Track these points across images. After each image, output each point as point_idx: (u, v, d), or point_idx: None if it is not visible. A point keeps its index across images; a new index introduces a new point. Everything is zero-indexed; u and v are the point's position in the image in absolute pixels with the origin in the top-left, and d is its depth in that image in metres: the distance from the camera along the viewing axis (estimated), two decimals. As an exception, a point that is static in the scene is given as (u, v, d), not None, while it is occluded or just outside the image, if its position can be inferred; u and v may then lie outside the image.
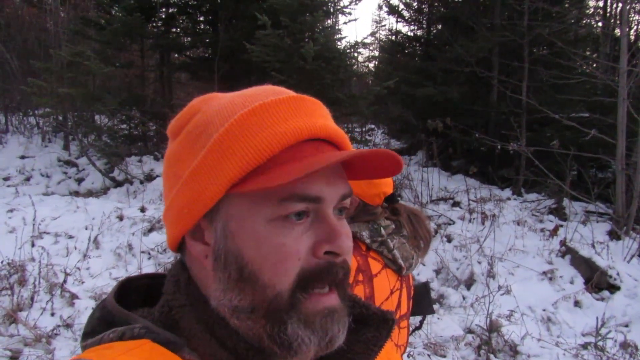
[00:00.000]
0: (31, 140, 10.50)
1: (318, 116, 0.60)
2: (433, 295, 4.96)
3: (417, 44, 13.03)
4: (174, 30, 10.41)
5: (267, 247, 0.55)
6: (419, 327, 1.97)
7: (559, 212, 7.24)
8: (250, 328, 0.56)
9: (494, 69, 9.58)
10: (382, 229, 1.53)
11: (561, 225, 6.50)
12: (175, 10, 10.02)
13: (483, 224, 6.71)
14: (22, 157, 9.51)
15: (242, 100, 0.60)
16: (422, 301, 1.83)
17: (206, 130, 0.59)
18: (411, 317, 1.75)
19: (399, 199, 1.69)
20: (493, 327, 4.14)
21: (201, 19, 10.63)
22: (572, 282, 5.06)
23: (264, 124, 0.57)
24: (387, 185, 1.57)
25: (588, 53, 10.24)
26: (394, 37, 14.22)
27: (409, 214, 1.63)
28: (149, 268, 5.18)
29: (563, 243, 5.72)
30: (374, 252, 1.52)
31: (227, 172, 0.55)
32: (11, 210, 6.40)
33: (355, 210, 1.57)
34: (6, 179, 8.65)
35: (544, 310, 4.59)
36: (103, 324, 0.61)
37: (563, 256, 5.52)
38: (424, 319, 1.92)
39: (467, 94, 9.77)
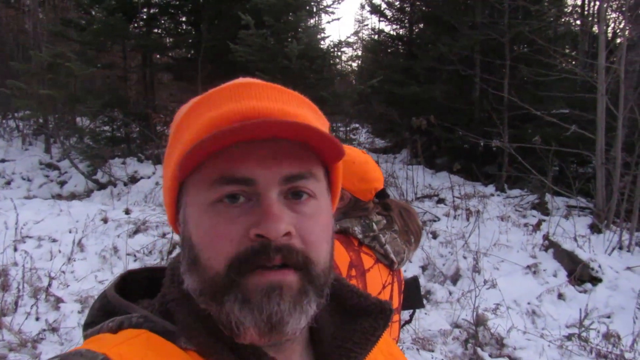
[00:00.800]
0: (11, 143, 10.32)
1: (260, 99, 0.58)
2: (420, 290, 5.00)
3: (400, 43, 13.12)
4: (156, 30, 10.31)
5: (203, 230, 0.56)
6: (409, 321, 2.00)
7: (541, 207, 7.36)
8: (211, 312, 0.56)
9: (476, 67, 9.70)
10: (374, 224, 1.55)
11: (544, 220, 6.61)
12: (157, 10, 9.92)
13: (468, 220, 6.80)
14: (2, 161, 9.34)
15: (201, 96, 0.62)
16: (412, 295, 1.86)
17: (172, 130, 0.64)
18: (401, 312, 1.77)
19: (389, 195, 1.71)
20: (479, 321, 4.20)
21: (183, 19, 10.55)
22: (555, 276, 5.16)
23: (201, 113, 0.59)
24: (378, 181, 1.60)
25: (567, 50, 10.42)
26: (376, 37, 14.28)
27: (400, 209, 1.65)
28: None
29: (546, 237, 5.82)
30: (366, 247, 1.54)
31: (171, 164, 0.60)
32: (-8, 215, 6.29)
33: (346, 206, 1.59)
34: (-14, 183, 8.49)
35: (528, 303, 4.67)
36: (103, 314, 0.62)
37: (546, 250, 5.62)
38: (413, 312, 1.95)
39: (450, 92, 9.88)
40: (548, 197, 7.38)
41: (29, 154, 9.56)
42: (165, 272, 0.65)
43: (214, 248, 0.55)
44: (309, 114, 0.62)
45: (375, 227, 1.54)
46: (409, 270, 5.49)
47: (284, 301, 0.53)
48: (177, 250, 5.52)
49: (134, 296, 0.66)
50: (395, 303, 1.62)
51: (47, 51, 7.90)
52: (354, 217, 1.57)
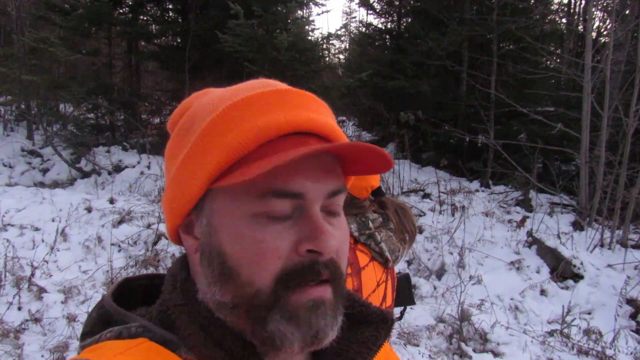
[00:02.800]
0: (-9, 129, 10.09)
1: (305, 109, 0.58)
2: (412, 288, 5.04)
3: (388, 37, 13.10)
4: (143, 17, 10.14)
5: (246, 244, 0.54)
6: (399, 318, 2.01)
7: (525, 204, 7.46)
8: (235, 323, 0.56)
9: (463, 63, 9.75)
10: (369, 222, 1.55)
11: (528, 217, 6.71)
12: (142, -3, 9.75)
13: (453, 215, 6.86)
14: (-18, 147, 9.13)
15: (229, 94, 0.59)
16: (403, 292, 1.87)
17: (192, 126, 0.59)
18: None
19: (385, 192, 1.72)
20: (464, 316, 4.25)
21: (170, 6, 10.39)
22: (538, 272, 5.24)
23: (243, 118, 0.56)
24: (374, 179, 1.60)
25: (553, 49, 10.52)
26: (364, 29, 14.22)
27: (396, 207, 1.65)
28: (119, 261, 5.08)
29: (530, 234, 5.91)
30: (361, 245, 1.54)
31: (206, 168, 0.55)
32: (-28, 202, 6.15)
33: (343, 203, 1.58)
34: (-35, 169, 8.30)
35: (511, 299, 4.74)
36: (101, 323, 0.61)
37: (530, 246, 5.70)
38: (404, 309, 1.96)
39: (437, 87, 9.91)
40: (532, 193, 7.48)
41: (11, 140, 9.35)
42: (165, 278, 0.64)
43: (260, 264, 0.54)
44: (331, 118, 0.63)
45: (371, 225, 1.55)
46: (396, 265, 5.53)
47: (327, 316, 0.54)
48: (162, 242, 5.49)
49: (132, 304, 0.64)
50: (389, 301, 1.63)
51: (31, 36, 7.72)
52: (350, 215, 1.57)
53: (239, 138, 0.54)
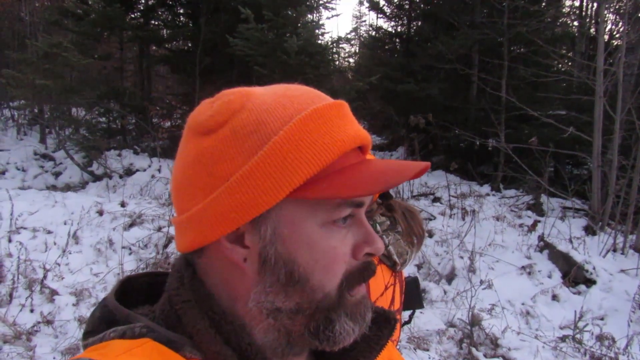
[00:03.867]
0: (6, 132, 10.23)
1: (355, 122, 0.62)
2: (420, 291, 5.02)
3: (398, 40, 13.10)
4: (154, 22, 10.23)
5: (319, 251, 0.57)
6: (408, 322, 2.00)
7: (536, 208, 7.39)
8: (283, 326, 0.58)
9: (474, 66, 9.71)
10: (377, 225, 1.55)
11: (539, 221, 6.64)
12: (154, 1, 9.85)
13: (463, 219, 6.82)
14: (-4, 150, 9.26)
15: (290, 103, 0.58)
16: (412, 296, 1.86)
17: (258, 131, 0.56)
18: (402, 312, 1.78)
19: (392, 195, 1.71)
20: (474, 321, 4.22)
21: (181, 11, 10.49)
22: (550, 277, 5.19)
23: (322, 131, 0.57)
24: None
25: (564, 52, 10.44)
26: (374, 33, 14.24)
27: (404, 210, 1.65)
28: (130, 264, 5.12)
29: (541, 238, 5.85)
30: (369, 249, 1.54)
31: (289, 178, 0.54)
32: (-14, 205, 6.23)
33: None
34: (-20, 172, 8.42)
35: (522, 304, 4.70)
36: (104, 322, 0.60)
37: (541, 251, 5.64)
38: (413, 313, 1.95)
39: (447, 90, 9.88)
40: (543, 198, 7.41)
41: (24, 144, 9.48)
42: (169, 276, 0.64)
43: (332, 269, 0.58)
44: None
45: (378, 228, 1.54)
46: (405, 268, 5.50)
47: (369, 308, 0.62)
48: (173, 245, 5.51)
49: (134, 302, 0.64)
50: (397, 304, 1.62)
51: (44, 40, 7.83)
52: None
53: (325, 151, 0.56)
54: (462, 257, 5.53)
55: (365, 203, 0.60)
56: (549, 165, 7.22)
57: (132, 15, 9.68)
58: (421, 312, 4.52)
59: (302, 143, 0.55)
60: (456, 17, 9.85)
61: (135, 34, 9.36)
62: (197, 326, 0.56)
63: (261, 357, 0.57)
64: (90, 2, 9.00)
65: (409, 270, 5.43)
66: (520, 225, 6.68)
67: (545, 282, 5.09)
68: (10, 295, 4.25)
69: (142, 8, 9.71)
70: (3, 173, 8.42)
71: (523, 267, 5.29)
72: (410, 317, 1.97)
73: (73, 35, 9.21)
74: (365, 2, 14.17)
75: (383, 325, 0.68)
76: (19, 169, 8.62)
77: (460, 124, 9.66)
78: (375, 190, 0.55)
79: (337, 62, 9.20)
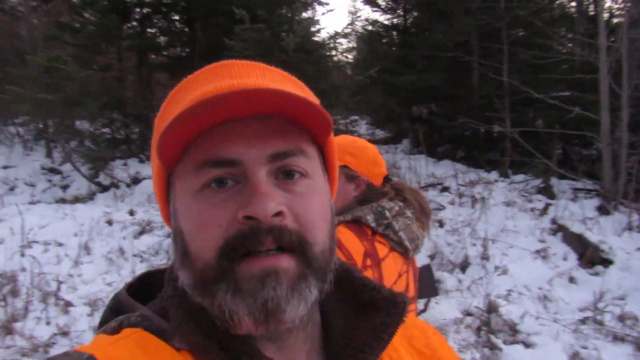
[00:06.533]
0: (12, 149, 10.26)
1: (245, 77, 0.57)
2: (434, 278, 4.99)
3: (395, 32, 13.03)
4: (150, 30, 10.24)
5: (191, 218, 0.54)
6: (423, 310, 1.97)
7: (547, 191, 7.31)
8: (206, 305, 0.53)
9: (473, 53, 9.62)
10: (386, 211, 1.52)
11: (550, 204, 6.57)
12: (150, 10, 9.84)
13: (473, 207, 6.76)
14: (5, 167, 9.28)
15: (181, 81, 0.63)
16: (426, 284, 1.83)
17: (156, 121, 0.64)
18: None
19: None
20: (491, 308, 4.17)
21: (177, 17, 10.48)
22: (565, 259, 5.12)
23: (180, 97, 0.58)
24: (384, 166, 1.59)
25: (563, 33, 10.32)
26: (370, 27, 14.15)
27: (410, 189, 1.63)
28: (142, 271, 5.10)
29: (554, 221, 5.78)
30: (379, 236, 1.51)
31: (155, 155, 0.56)
32: (-3, 222, 6.26)
33: (363, 192, 1.56)
34: (-11, 190, 8.45)
35: (539, 288, 4.64)
36: (113, 313, 0.62)
37: (555, 234, 5.58)
38: (428, 301, 1.92)
39: (448, 79, 9.81)
40: (553, 180, 7.33)
41: (31, 159, 9.51)
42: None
43: (203, 236, 0.52)
44: (296, 90, 0.60)
45: (388, 214, 1.51)
46: (418, 259, 5.46)
47: (281, 286, 0.50)
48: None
49: (151, 296, 0.64)
50: (411, 291, 1.59)
51: (43, 55, 7.85)
52: (366, 205, 1.54)
53: (170, 117, 0.52)
54: (474, 245, 5.49)
55: (242, 160, 0.52)
56: (556, 148, 7.13)
57: (129, 25, 9.67)
58: (436, 302, 4.47)
59: (165, 113, 0.60)
60: (451, 4, 9.75)
61: (133, 42, 9.36)
62: (178, 320, 0.55)
63: (247, 348, 0.53)
64: (86, 15, 9.01)
65: (421, 261, 5.38)
66: (532, 210, 6.60)
67: (561, 264, 5.02)
68: (26, 309, 4.26)
69: (137, 17, 9.71)
70: (12, 189, 8.46)
71: (537, 251, 5.23)
72: (426, 305, 1.94)
73: (72, 49, 9.23)
74: (360, -3, 14.11)
75: (391, 310, 0.61)
76: (27, 184, 8.65)
77: (464, 112, 9.57)
78: (182, 117, 0.49)
79: (335, 58, 9.13)
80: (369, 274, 1.42)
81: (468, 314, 4.34)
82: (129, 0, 8.94)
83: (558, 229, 5.60)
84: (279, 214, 0.51)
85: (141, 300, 0.62)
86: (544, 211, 6.31)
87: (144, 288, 0.66)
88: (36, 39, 9.94)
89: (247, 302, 0.49)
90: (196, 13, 9.22)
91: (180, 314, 0.55)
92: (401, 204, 1.56)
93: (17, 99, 7.56)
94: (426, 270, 1.84)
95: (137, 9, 9.53)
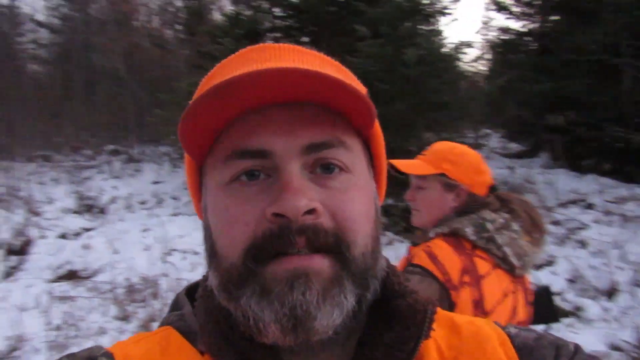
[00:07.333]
0: (162, 167, 11.53)
1: (281, 60, 0.51)
2: (567, 307, 4.47)
3: (531, 39, 12.23)
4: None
5: (217, 214, 0.49)
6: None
7: None
8: (232, 310, 0.49)
9: (623, 54, 8.58)
10: (487, 223, 1.36)
11: None
12: (279, 35, 10.43)
13: (623, 226, 5.95)
14: (155, 182, 10.46)
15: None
16: (544, 307, 1.61)
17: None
18: (532, 326, 1.54)
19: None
20: (643, 343, 3.59)
21: (305, 39, 10.96)
22: None
23: (209, 84, 0.54)
24: (489, 173, 1.42)
25: None
26: (503, 35, 13.44)
27: (520, 201, 1.44)
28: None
29: None
30: (480, 251, 1.36)
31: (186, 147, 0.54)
32: (145, 230, 7.03)
33: (464, 203, 1.42)
34: (142, 202, 9.56)
35: None
36: (171, 310, 0.63)
37: None
38: (548, 328, 1.69)
39: (592, 84, 8.86)
40: None
41: (177, 176, 10.59)
42: None
43: (229, 234, 0.47)
44: (336, 75, 0.51)
45: (489, 226, 1.35)
46: (554, 282, 4.94)
47: (311, 290, 0.44)
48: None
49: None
50: (522, 315, 1.40)
51: (186, 81, 8.72)
52: (465, 216, 1.40)
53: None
54: (622, 269, 4.81)
55: (274, 151, 0.47)
56: None
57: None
58: (576, 333, 3.98)
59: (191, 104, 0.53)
60: (596, 3, 8.83)
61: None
62: (201, 322, 0.53)
63: (269, 357, 0.48)
64: (223, 43, 9.84)
65: (559, 286, 4.86)
66: (700, 231, 5.62)
67: None
68: (163, 310, 4.67)
69: (269, 41, 10.36)
70: (160, 202, 9.46)
71: None
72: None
73: (212, 74, 10.13)
74: (491, 5, 13.50)
75: (409, 322, 0.50)
76: (172, 198, 9.62)
77: (612, 121, 8.54)
78: (197, 103, 0.45)
79: (460, 69, 8.77)
80: (467, 292, 1.29)
81: (615, 348, 3.79)
82: (262, 28, 9.56)
83: None
84: (311, 211, 0.45)
85: None
86: None
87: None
88: (182, 67, 11.11)
89: (273, 307, 0.44)
90: (323, 35, 9.55)
91: (204, 316, 0.53)
92: (507, 216, 1.39)
93: (164, 121, 8.46)
94: (544, 292, 1.61)
95: (268, 34, 10.16)
